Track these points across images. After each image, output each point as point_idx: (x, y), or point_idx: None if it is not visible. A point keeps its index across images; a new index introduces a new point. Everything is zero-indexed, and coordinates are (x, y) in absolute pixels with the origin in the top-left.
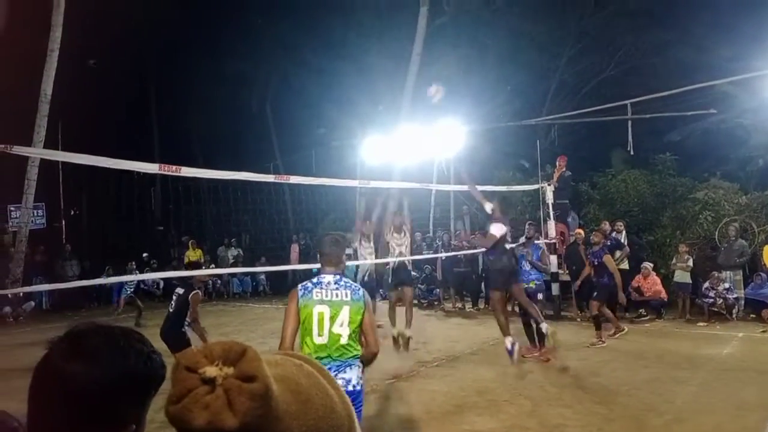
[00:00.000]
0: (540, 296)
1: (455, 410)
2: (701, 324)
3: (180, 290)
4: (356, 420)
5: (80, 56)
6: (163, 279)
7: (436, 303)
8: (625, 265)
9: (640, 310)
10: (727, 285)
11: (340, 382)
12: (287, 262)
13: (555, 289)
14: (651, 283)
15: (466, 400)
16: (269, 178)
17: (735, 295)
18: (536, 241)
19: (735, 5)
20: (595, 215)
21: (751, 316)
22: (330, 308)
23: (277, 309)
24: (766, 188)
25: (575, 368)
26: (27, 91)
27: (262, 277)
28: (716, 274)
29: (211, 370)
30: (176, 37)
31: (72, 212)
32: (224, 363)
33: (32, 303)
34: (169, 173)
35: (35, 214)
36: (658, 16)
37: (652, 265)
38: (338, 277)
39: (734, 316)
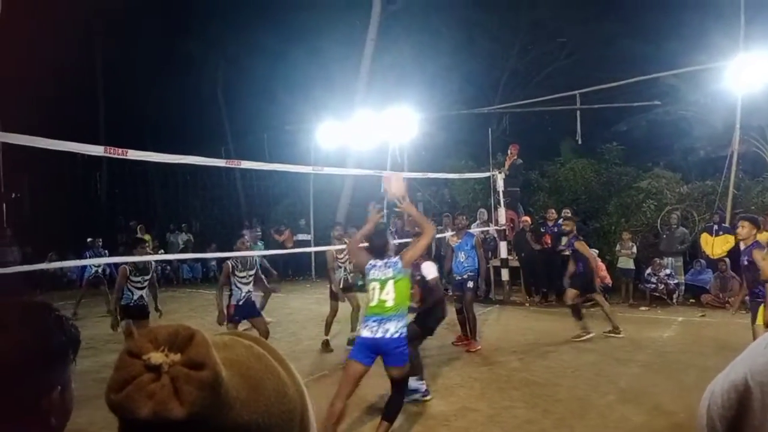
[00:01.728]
0: (470, 284)
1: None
2: (643, 308)
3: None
4: (308, 401)
5: (21, 34)
6: (110, 265)
7: None
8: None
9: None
10: (668, 271)
11: (380, 332)
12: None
13: (505, 274)
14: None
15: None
16: (219, 162)
17: (676, 281)
18: (469, 230)
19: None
20: (545, 203)
21: (691, 300)
22: (379, 283)
23: (228, 295)
24: (706, 178)
25: (524, 352)
26: None
27: (213, 263)
28: (658, 261)
29: (156, 357)
30: (124, 18)
31: (13, 196)
32: (170, 349)
33: None
34: (115, 156)
35: None
36: (608, 7)
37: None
38: (386, 260)
39: (675, 300)
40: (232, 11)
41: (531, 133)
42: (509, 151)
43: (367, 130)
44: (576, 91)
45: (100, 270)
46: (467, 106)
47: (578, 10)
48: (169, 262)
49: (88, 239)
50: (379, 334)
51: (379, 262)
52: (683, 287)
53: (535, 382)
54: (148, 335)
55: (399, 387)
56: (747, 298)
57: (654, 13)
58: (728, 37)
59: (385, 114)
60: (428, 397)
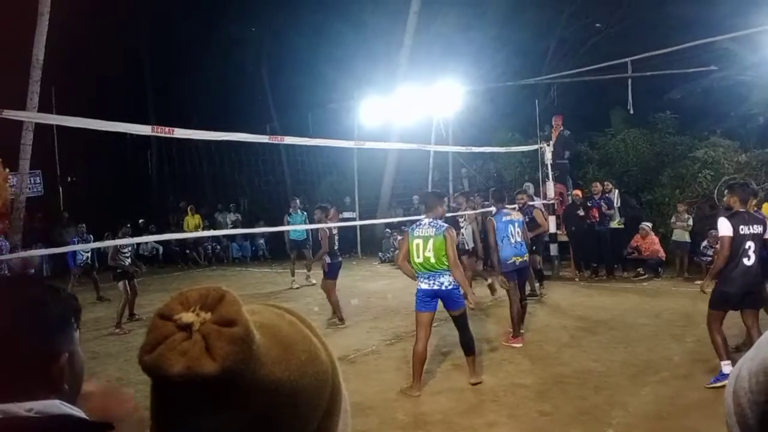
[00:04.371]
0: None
1: (454, 369)
2: (699, 282)
3: None
4: (339, 370)
5: (72, 20)
6: (161, 244)
7: None
8: (620, 225)
9: (638, 269)
10: None
11: (436, 285)
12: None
13: (554, 249)
14: (649, 243)
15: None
16: (263, 138)
17: None
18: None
19: None
20: (594, 175)
21: None
22: (422, 240)
23: (277, 273)
24: (766, 146)
25: (574, 328)
26: (19, 57)
27: (261, 241)
28: (714, 233)
29: (187, 316)
30: None
31: (69, 179)
32: (201, 308)
33: (32, 270)
34: (162, 135)
35: (32, 181)
36: None
37: (650, 224)
38: (431, 220)
39: None
40: None
41: (580, 104)
42: (554, 123)
43: (411, 104)
44: (627, 59)
45: (88, 257)
46: (514, 77)
47: None
48: (219, 241)
49: (140, 221)
50: (435, 287)
51: (426, 221)
52: None
53: (585, 357)
54: (179, 298)
55: (462, 325)
56: None
57: None
58: None
59: (429, 88)
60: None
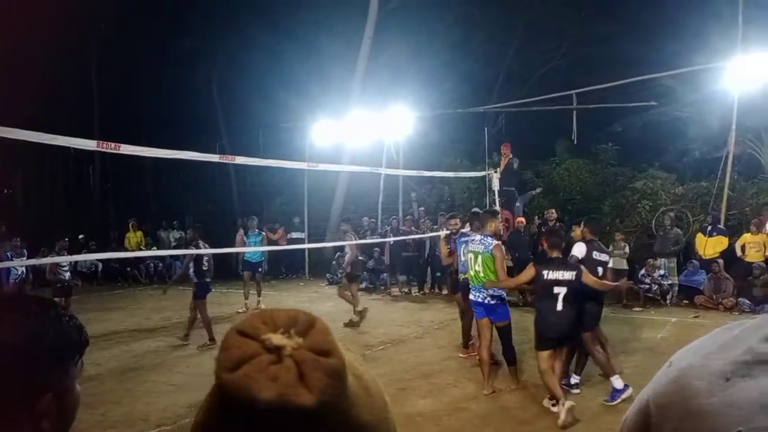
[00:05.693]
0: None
1: (399, 393)
2: (637, 309)
3: None
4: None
5: (15, 29)
6: (101, 261)
7: (382, 287)
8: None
9: None
10: (662, 272)
11: (480, 297)
12: (232, 245)
13: None
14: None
15: (411, 383)
16: (213, 158)
17: (669, 282)
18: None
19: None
20: (539, 203)
21: (684, 301)
22: (473, 254)
23: (221, 293)
24: (701, 179)
25: (517, 353)
26: None
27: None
28: (652, 261)
29: (277, 338)
30: (120, 11)
31: (5, 191)
32: (293, 332)
33: None
34: (108, 150)
35: None
36: (604, 7)
37: None
38: (481, 236)
39: (668, 301)
40: (228, 8)
41: (526, 133)
42: (502, 151)
43: (363, 128)
44: (572, 91)
45: (23, 272)
46: (463, 104)
47: (575, 10)
48: (161, 259)
49: (80, 236)
50: (480, 299)
51: (477, 236)
52: (677, 288)
53: (528, 383)
54: (262, 316)
55: (504, 336)
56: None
57: (651, 14)
58: (726, 37)
59: (380, 112)
60: (576, 391)
